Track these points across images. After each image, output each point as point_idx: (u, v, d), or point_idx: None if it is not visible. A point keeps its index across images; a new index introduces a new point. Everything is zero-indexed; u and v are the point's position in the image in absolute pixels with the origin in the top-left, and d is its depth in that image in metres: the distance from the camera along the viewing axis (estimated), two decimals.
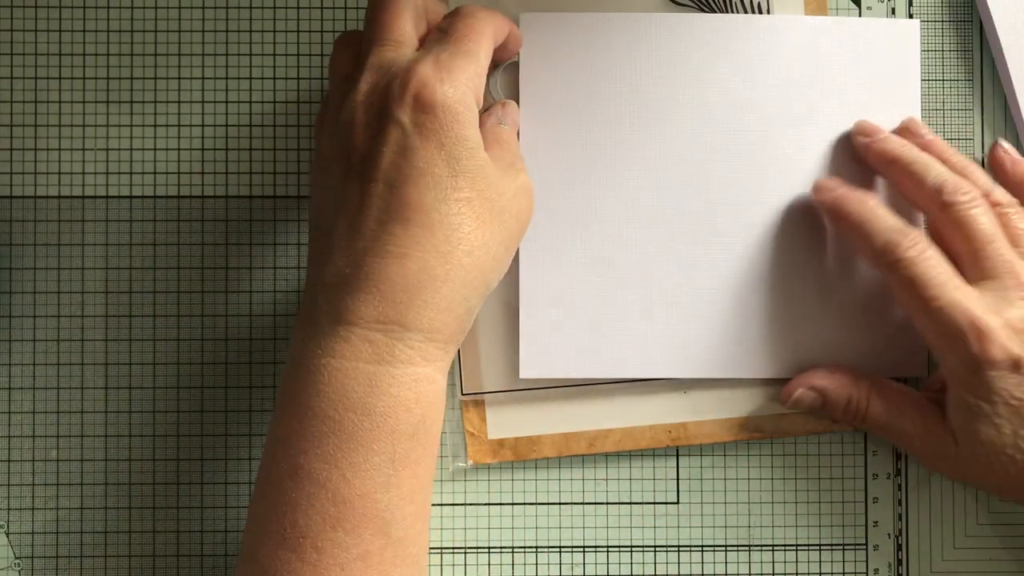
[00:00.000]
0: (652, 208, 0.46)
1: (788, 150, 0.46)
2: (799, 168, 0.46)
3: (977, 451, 0.41)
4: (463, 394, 0.46)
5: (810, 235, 0.46)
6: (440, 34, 0.40)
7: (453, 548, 0.46)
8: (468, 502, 0.46)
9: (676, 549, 0.46)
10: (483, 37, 0.40)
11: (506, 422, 0.46)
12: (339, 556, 0.36)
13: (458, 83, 0.39)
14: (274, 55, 0.47)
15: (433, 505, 0.46)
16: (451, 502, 0.46)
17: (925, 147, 0.44)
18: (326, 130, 0.41)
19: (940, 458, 0.43)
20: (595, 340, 0.45)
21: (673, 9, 0.46)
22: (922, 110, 0.47)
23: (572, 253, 0.45)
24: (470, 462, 0.46)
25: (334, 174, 0.40)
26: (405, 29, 0.40)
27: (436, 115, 0.38)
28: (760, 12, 0.46)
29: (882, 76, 0.46)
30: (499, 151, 0.41)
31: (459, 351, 0.46)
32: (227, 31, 0.47)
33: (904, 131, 0.45)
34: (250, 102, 0.47)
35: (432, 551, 0.46)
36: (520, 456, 0.46)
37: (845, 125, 0.46)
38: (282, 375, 0.38)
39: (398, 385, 0.38)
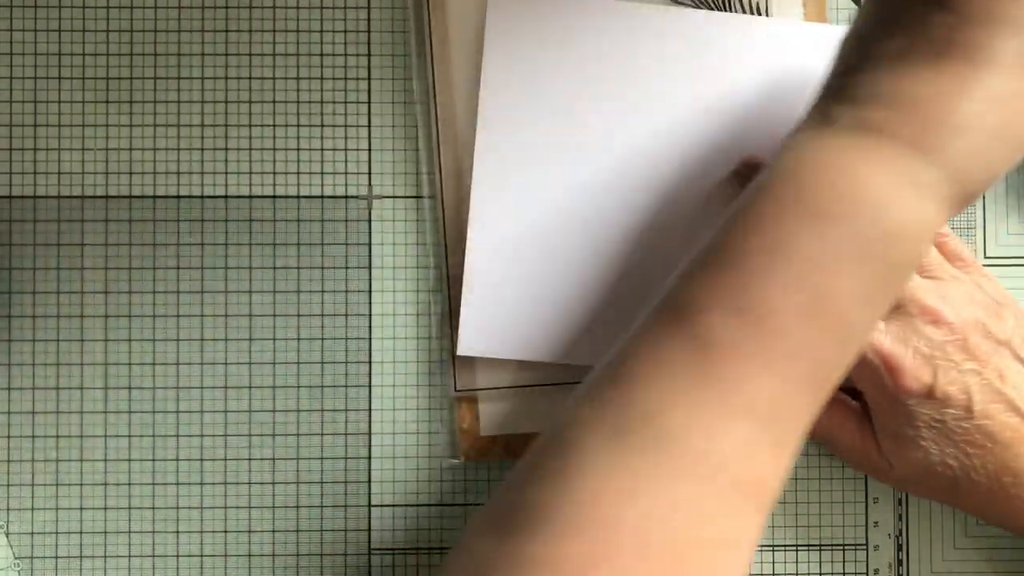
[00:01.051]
0: (608, 195, 0.45)
1: (744, 147, 0.45)
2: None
3: (908, 472, 0.42)
4: (456, 391, 0.46)
5: None
6: None
7: (449, 548, 0.46)
8: (465, 502, 0.46)
9: None
10: None
11: (499, 419, 0.46)
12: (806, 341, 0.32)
13: None
14: (274, 55, 0.47)
15: (427, 504, 0.46)
16: (447, 502, 0.46)
17: None
18: None
19: (878, 474, 0.43)
20: (539, 323, 0.45)
21: (672, 7, 0.46)
22: None
23: (522, 232, 0.45)
24: (462, 459, 0.46)
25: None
26: None
27: None
28: (759, 11, 0.46)
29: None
30: None
31: (453, 347, 0.45)
32: (227, 31, 0.47)
33: None
34: (250, 102, 0.47)
35: (426, 551, 0.46)
36: (513, 454, 0.46)
37: (753, 127, 0.46)
38: (777, 166, 0.34)
39: (906, 211, 0.33)
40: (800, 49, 0.46)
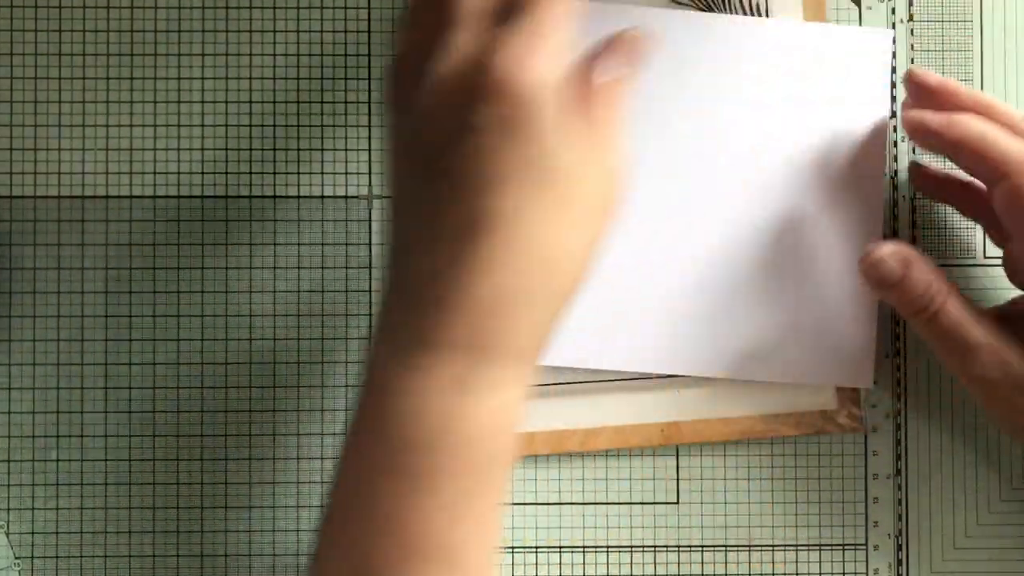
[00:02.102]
0: (639, 203, 0.45)
1: (757, 153, 0.46)
2: (767, 170, 0.46)
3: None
4: None
5: (769, 241, 0.46)
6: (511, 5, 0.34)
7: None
8: None
9: (676, 549, 0.46)
10: (564, 2, 0.34)
11: None
12: None
13: (539, 65, 0.33)
14: (274, 55, 0.47)
15: None
16: None
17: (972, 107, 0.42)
18: (399, 110, 0.36)
19: (997, 388, 0.41)
20: (579, 331, 0.45)
21: (671, 7, 0.46)
22: None
23: None
24: None
25: (408, 169, 0.35)
26: (474, 2, 0.35)
27: (517, 108, 0.33)
28: (758, 11, 0.46)
29: (850, 85, 0.46)
30: (587, 121, 0.35)
31: None
32: (227, 31, 0.47)
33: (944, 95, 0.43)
34: (250, 102, 0.47)
35: None
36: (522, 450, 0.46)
37: (811, 129, 0.45)
38: (358, 397, 0.35)
39: (479, 416, 0.34)
40: (798, 50, 0.46)
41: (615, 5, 0.45)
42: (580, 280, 0.35)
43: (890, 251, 0.42)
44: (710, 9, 0.46)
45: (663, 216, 0.46)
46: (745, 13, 0.46)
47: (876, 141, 0.46)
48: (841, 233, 0.45)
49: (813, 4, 0.46)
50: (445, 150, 0.34)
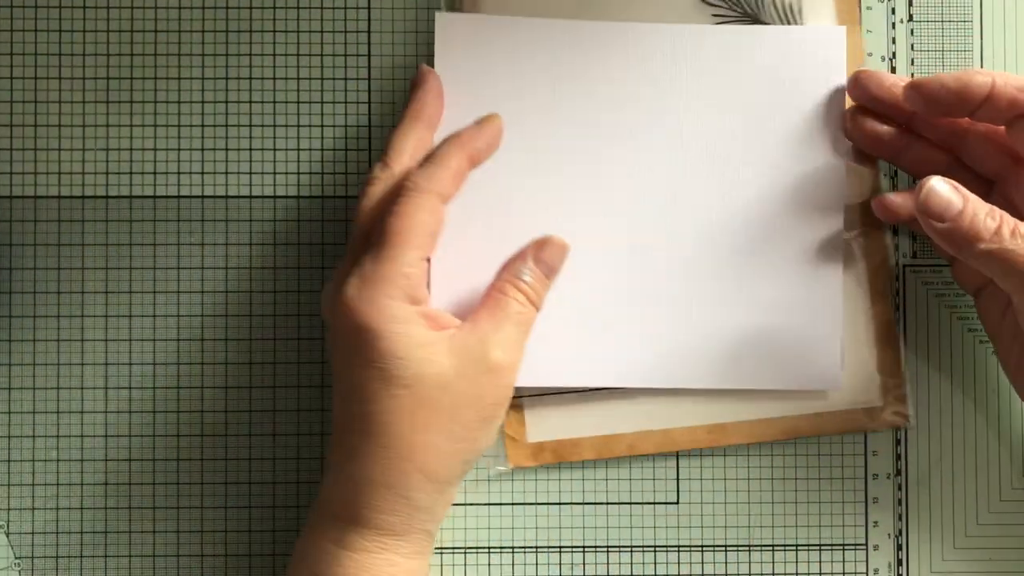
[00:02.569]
0: (610, 215, 0.45)
1: (729, 161, 0.45)
2: (739, 175, 0.45)
3: None
4: None
5: (735, 244, 0.45)
6: (372, 236, 0.41)
7: (453, 548, 0.46)
8: (467, 503, 0.46)
9: (676, 549, 0.46)
10: (411, 230, 0.40)
11: (545, 425, 0.46)
12: None
13: (377, 299, 0.39)
14: (274, 55, 0.47)
15: (475, 504, 0.46)
16: (495, 502, 0.46)
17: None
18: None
19: None
20: (586, 349, 0.45)
21: (704, 11, 0.46)
22: None
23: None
24: (510, 466, 0.46)
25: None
26: (355, 237, 0.42)
27: (362, 337, 0.39)
28: (791, 15, 0.46)
29: (808, 82, 0.45)
30: (476, 325, 0.41)
31: None
32: (227, 31, 0.47)
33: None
34: (250, 102, 0.47)
35: (433, 551, 0.46)
36: (561, 458, 0.46)
37: (771, 132, 0.45)
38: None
39: (359, 567, 0.40)
40: (757, 51, 0.45)
41: (539, 20, 0.45)
42: (446, 466, 0.41)
43: (939, 179, 0.40)
44: (745, 14, 0.46)
45: (635, 229, 0.45)
46: (780, 17, 0.46)
47: (836, 137, 0.45)
48: (806, 231, 0.45)
49: (846, 7, 0.46)
50: (332, 361, 0.42)
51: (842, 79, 0.45)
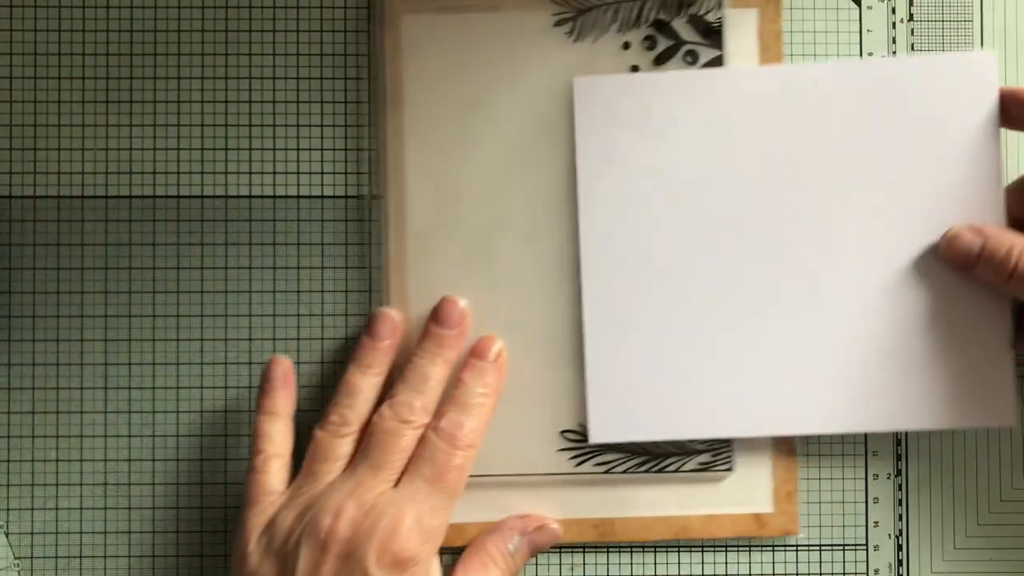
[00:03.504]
0: (717, 263, 0.45)
1: (869, 199, 0.45)
2: (898, 207, 0.45)
3: None
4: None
5: (892, 283, 0.45)
6: (423, 464, 0.42)
7: (453, 548, 0.46)
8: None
9: (676, 549, 0.46)
10: (464, 469, 0.42)
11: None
12: None
13: (436, 537, 0.42)
14: (274, 55, 0.47)
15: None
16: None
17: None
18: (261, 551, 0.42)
19: None
20: (664, 400, 0.45)
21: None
22: None
23: (636, 314, 0.45)
24: None
25: None
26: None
27: (409, 569, 0.40)
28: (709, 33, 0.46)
29: (958, 112, 0.44)
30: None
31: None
32: (227, 31, 0.47)
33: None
34: (250, 102, 0.47)
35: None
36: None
37: (924, 166, 0.44)
38: None
39: None
40: (900, 83, 0.45)
41: (670, 73, 0.45)
42: None
43: (962, 226, 0.43)
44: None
45: (798, 274, 0.45)
46: (697, 33, 0.45)
47: (990, 166, 0.44)
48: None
49: (770, 42, 0.46)
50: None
51: (994, 103, 0.44)
